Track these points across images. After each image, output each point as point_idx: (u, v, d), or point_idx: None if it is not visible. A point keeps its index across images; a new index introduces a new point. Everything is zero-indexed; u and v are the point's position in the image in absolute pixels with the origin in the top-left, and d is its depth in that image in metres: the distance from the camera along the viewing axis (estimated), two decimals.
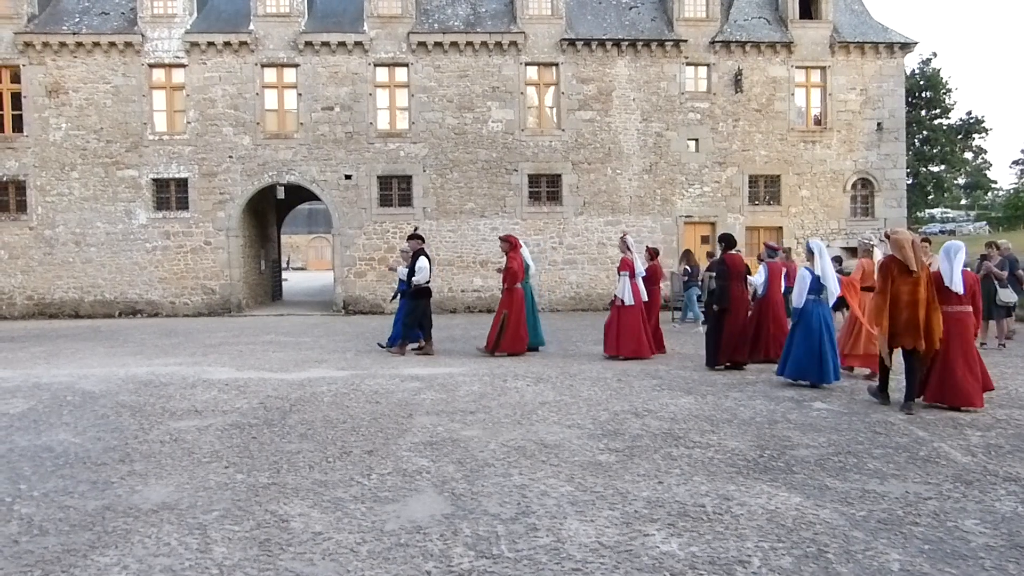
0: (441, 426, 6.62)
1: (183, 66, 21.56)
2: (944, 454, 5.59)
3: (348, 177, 21.88)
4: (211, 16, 21.93)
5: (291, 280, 37.73)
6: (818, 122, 23.07)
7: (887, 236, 7.71)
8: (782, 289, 10.94)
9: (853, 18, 23.35)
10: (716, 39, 22.28)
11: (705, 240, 22.55)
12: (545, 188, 22.45)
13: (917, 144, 35.44)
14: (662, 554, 3.75)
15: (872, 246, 9.79)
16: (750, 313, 10.50)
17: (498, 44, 21.86)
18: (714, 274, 10.35)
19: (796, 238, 22.46)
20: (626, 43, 22.07)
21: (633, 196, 22.40)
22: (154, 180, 21.64)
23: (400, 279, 12.44)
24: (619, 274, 11.12)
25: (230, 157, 21.65)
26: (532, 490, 4.78)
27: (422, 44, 21.68)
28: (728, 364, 9.97)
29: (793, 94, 22.76)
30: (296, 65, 21.70)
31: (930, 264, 7.84)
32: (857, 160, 22.89)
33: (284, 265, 56.27)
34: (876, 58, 22.77)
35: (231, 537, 4.03)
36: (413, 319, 11.89)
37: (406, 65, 21.93)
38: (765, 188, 22.91)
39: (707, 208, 22.61)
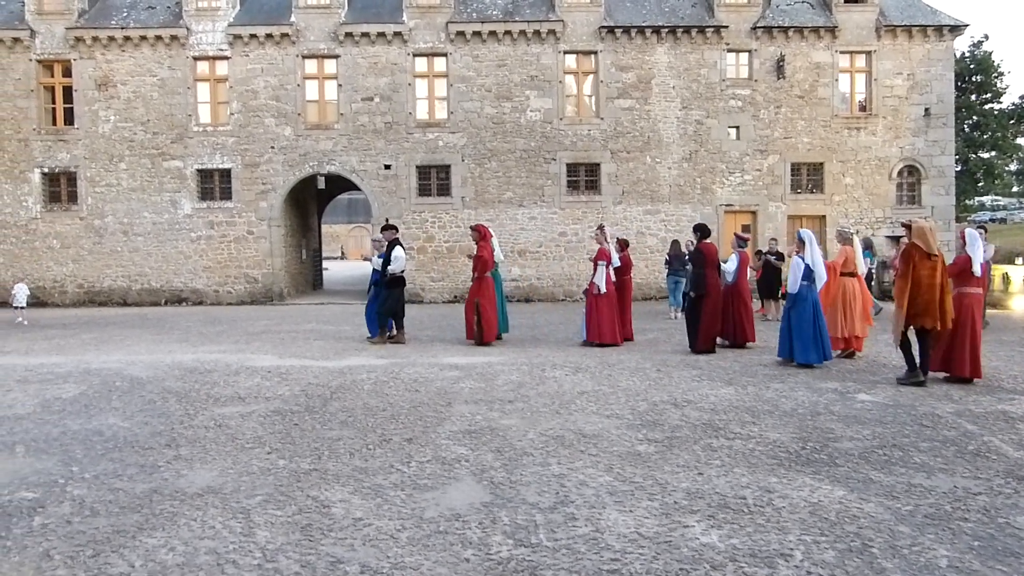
0: (480, 415, 6.64)
1: (226, 58, 21.89)
2: (995, 448, 5.44)
3: (387, 167, 22.03)
4: (253, 8, 22.20)
5: (331, 269, 38.16)
6: (863, 108, 22.54)
7: (906, 225, 8.23)
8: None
9: (900, 0, 22.71)
10: (758, 24, 21.87)
11: (746, 230, 22.25)
12: (583, 177, 22.34)
13: (966, 130, 34.40)
14: (702, 546, 3.72)
15: (852, 234, 10.47)
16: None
17: (536, 33, 21.76)
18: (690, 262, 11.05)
19: (838, 224, 22.03)
20: (666, 30, 21.80)
21: (672, 185, 22.17)
22: (199, 171, 22.05)
23: (374, 269, 12.47)
24: (596, 264, 11.37)
25: (272, 148, 21.94)
26: (571, 480, 4.77)
27: (461, 34, 21.68)
28: (696, 349, 10.47)
29: (837, 80, 22.26)
30: (336, 56, 21.87)
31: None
32: (904, 147, 22.32)
33: (340, 253, 57.03)
34: (924, 41, 22.14)
35: (274, 522, 4.10)
36: (388, 308, 11.93)
37: (445, 55, 21.95)
38: (808, 176, 22.48)
39: (748, 197, 22.28)
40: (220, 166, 22.03)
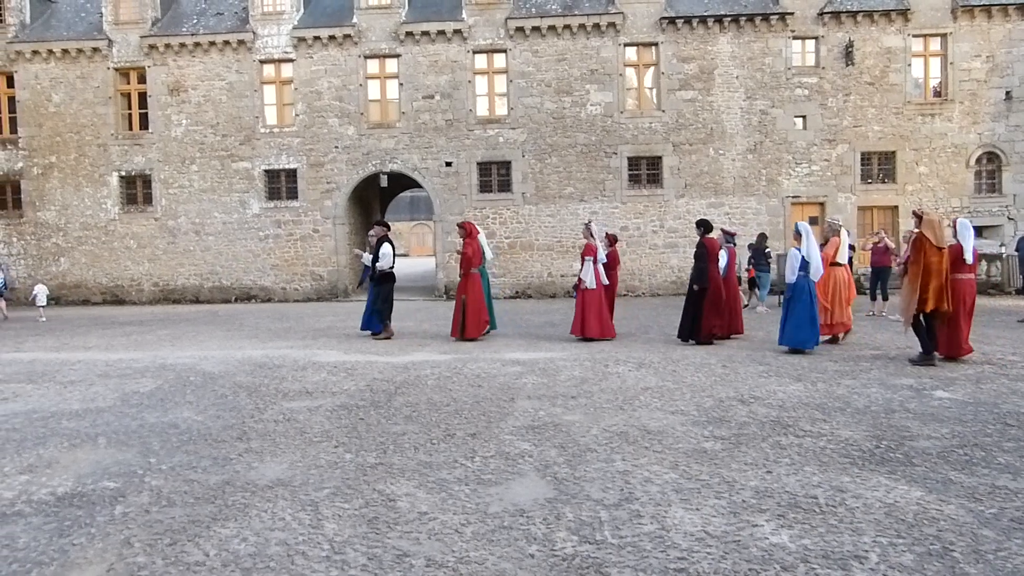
0: (543, 410, 6.63)
1: (291, 61, 22.39)
2: None
3: (448, 164, 22.20)
4: (316, 11, 22.65)
5: (394, 266, 38.66)
6: (938, 93, 21.64)
7: (917, 215, 8.90)
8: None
9: None
10: (825, 10, 21.22)
11: (813, 221, 21.62)
12: (645, 171, 22.08)
13: None
14: (772, 546, 3.63)
15: (840, 226, 11.04)
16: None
17: (596, 26, 21.59)
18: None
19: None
20: (728, 19, 21.34)
21: (736, 177, 21.72)
22: (266, 171, 22.64)
23: (365, 265, 12.73)
24: (583, 259, 11.50)
25: (336, 147, 22.36)
26: (635, 476, 4.72)
27: (520, 29, 21.67)
28: (698, 340, 10.89)
29: (910, 64, 21.43)
30: (397, 55, 22.14)
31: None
32: (982, 133, 21.35)
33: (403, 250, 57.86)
34: (1005, 21, 21.12)
35: (341, 514, 4.17)
36: (384, 304, 12.13)
37: (504, 51, 21.98)
38: (879, 165, 21.72)
39: (815, 188, 21.66)
40: (286, 166, 22.57)
